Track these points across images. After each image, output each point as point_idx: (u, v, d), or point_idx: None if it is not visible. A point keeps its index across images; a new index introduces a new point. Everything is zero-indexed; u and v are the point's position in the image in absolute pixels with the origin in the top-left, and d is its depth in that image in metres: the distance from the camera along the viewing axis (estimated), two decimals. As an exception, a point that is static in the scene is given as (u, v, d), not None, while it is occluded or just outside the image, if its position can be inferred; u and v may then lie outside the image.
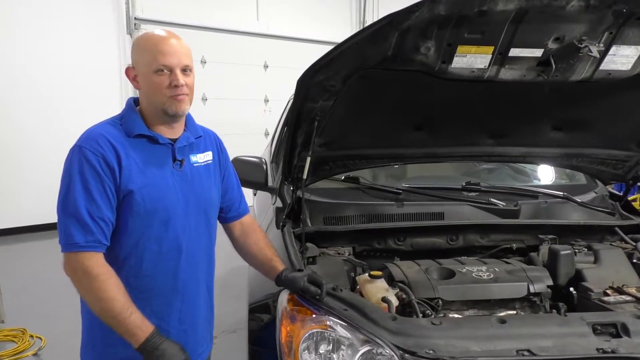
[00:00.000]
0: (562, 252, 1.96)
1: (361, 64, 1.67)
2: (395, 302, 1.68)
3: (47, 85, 6.07)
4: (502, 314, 1.80)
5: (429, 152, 2.24)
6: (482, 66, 1.69)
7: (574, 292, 1.91)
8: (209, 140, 1.67)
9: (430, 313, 1.72)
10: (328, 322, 1.49)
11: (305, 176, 1.94)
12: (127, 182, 1.41)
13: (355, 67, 1.69)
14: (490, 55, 1.66)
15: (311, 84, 1.72)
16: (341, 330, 1.46)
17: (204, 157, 1.61)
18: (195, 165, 1.57)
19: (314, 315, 1.52)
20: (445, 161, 2.43)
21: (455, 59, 1.66)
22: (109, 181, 1.39)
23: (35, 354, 3.31)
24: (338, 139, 2.10)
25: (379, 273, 1.81)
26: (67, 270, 1.40)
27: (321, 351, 1.45)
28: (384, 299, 1.66)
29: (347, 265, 2.03)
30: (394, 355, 1.37)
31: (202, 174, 1.59)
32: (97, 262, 1.37)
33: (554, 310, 1.80)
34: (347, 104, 1.87)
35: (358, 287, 1.83)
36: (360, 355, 1.42)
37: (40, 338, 3.46)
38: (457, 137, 2.21)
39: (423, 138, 2.16)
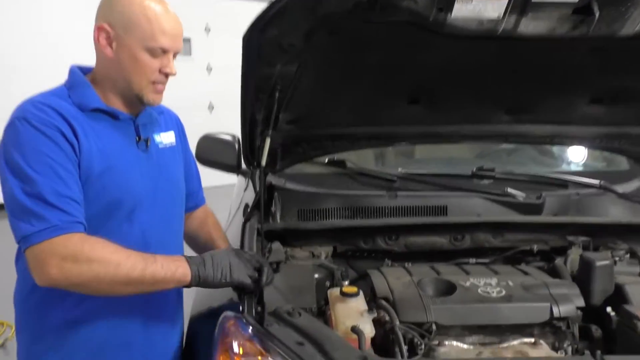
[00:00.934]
0: (599, 264, 1.56)
1: (326, 12, 1.28)
2: (370, 332, 1.32)
3: (35, 81, 5.65)
4: (515, 342, 1.45)
5: (428, 131, 1.89)
6: (494, 16, 1.30)
7: (612, 313, 1.53)
8: (169, 120, 1.51)
9: (419, 342, 1.37)
10: (274, 364, 1.18)
11: (264, 161, 1.57)
12: (86, 166, 1.22)
13: (319, 18, 1.29)
14: (507, 0, 1.26)
15: (262, 41, 1.33)
16: None
17: (167, 138, 1.46)
18: (160, 147, 1.42)
19: (259, 358, 1.19)
20: (448, 142, 2.09)
21: (456, 5, 1.27)
22: (72, 155, 1.19)
23: (2, 345, 3.09)
24: (311, 115, 1.74)
25: (354, 289, 1.44)
26: (45, 269, 1.13)
27: None
28: (354, 329, 1.28)
29: (320, 271, 1.67)
30: None
31: (168, 158, 1.44)
32: (81, 237, 1.16)
33: (587, 351, 1.41)
34: (317, 69, 1.51)
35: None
36: None
37: (10, 327, 3.18)
38: (463, 112, 1.84)
39: (420, 113, 1.80)
